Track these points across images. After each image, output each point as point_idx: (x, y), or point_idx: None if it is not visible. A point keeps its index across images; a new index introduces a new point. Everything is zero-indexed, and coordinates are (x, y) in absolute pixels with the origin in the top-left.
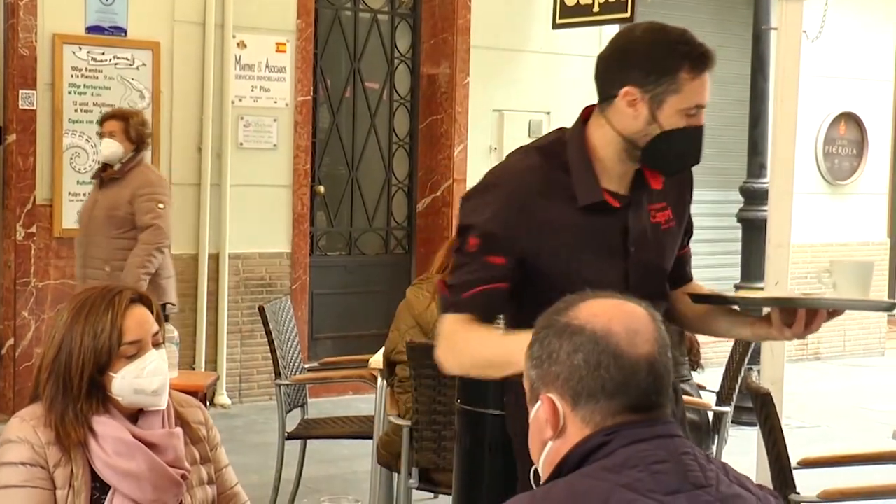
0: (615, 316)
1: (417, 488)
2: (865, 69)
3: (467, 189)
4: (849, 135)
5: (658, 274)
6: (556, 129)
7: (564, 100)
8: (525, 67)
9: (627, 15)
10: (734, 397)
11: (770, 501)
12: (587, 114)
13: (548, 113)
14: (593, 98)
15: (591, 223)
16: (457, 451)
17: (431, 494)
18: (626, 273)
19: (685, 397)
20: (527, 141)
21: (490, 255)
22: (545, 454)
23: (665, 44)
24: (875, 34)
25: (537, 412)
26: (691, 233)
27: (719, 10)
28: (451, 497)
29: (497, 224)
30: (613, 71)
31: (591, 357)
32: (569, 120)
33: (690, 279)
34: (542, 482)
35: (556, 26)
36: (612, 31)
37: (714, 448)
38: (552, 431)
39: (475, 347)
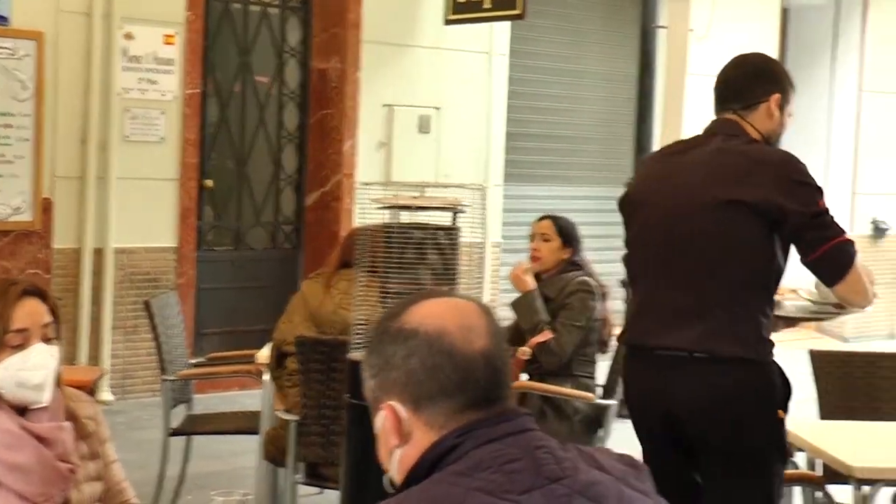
0: (447, 315)
1: (304, 483)
2: None
3: (360, 182)
4: None
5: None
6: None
7: (454, 95)
8: (416, 63)
9: (518, 12)
10: (619, 391)
11: (629, 479)
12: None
13: (438, 108)
14: (484, 94)
15: None
16: (345, 445)
17: (318, 489)
18: None
19: (572, 390)
20: (416, 136)
21: None
22: (394, 462)
23: None
24: (760, 34)
25: (381, 421)
26: None
27: (608, 9)
28: (338, 492)
29: None
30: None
31: (426, 359)
32: (458, 116)
33: None
34: (396, 489)
35: (447, 22)
36: (504, 27)
37: (602, 440)
38: (397, 439)
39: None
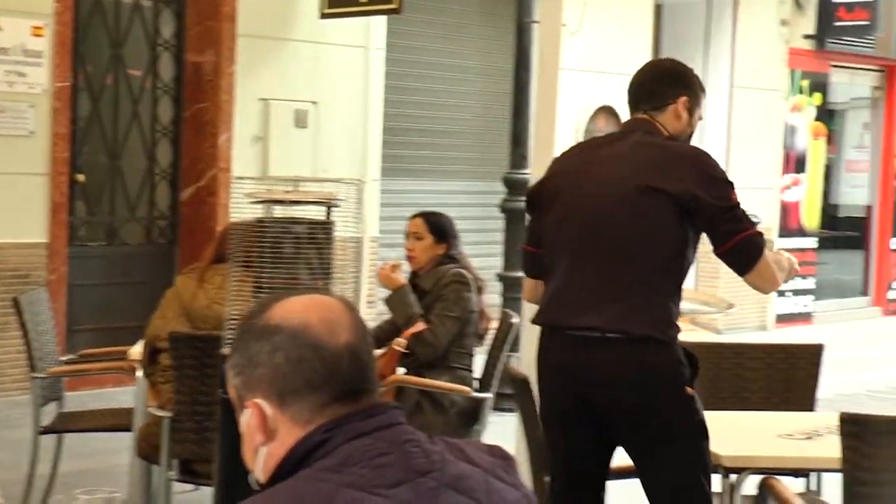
0: (310, 310)
1: (178, 480)
2: (624, 64)
3: (234, 177)
4: (608, 128)
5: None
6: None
7: (331, 90)
8: (292, 57)
9: (394, 6)
10: (495, 384)
11: (498, 472)
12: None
13: (314, 103)
14: (361, 88)
15: None
16: (219, 441)
17: (193, 486)
18: None
19: (448, 384)
20: (293, 130)
21: None
22: (260, 460)
23: None
24: (633, 30)
25: (246, 419)
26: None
27: (484, 4)
28: (212, 488)
29: None
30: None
31: (291, 353)
32: (335, 110)
33: None
34: (262, 487)
35: (323, 16)
36: (380, 21)
37: (477, 434)
38: (263, 436)
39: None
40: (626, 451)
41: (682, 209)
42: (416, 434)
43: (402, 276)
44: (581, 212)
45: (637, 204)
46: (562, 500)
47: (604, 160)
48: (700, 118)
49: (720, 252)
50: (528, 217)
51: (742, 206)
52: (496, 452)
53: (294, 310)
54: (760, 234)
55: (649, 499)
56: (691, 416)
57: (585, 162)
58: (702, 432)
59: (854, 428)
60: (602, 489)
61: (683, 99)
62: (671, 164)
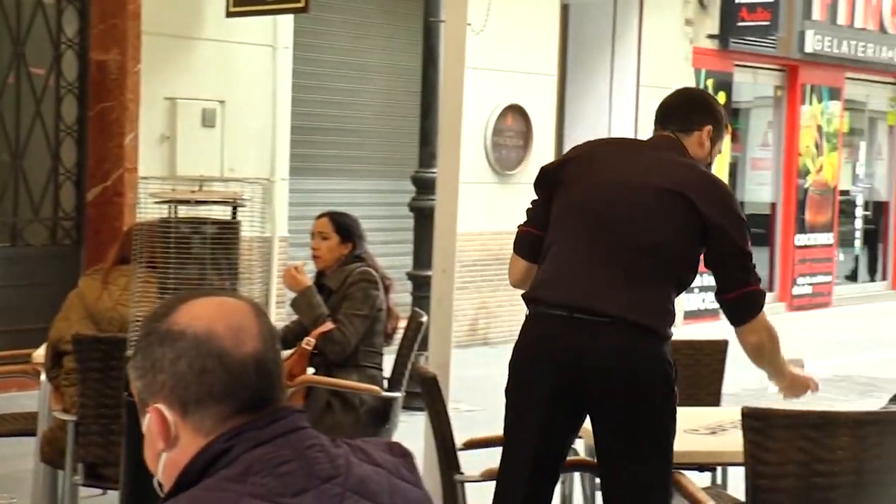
0: (217, 316)
1: (84, 484)
2: (532, 63)
3: (140, 177)
4: (516, 126)
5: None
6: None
7: (239, 89)
8: (198, 55)
9: (301, 5)
10: (404, 383)
11: (401, 471)
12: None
13: (222, 102)
14: (268, 87)
15: None
16: (125, 445)
17: (100, 491)
18: None
19: (357, 383)
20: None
21: None
22: (161, 466)
23: None
24: (540, 29)
25: (148, 423)
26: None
27: (391, 2)
28: (119, 492)
29: None
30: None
31: (195, 362)
32: (243, 109)
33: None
34: (164, 494)
35: (229, 14)
36: (287, 20)
37: (388, 433)
38: (164, 443)
39: None
40: (603, 440)
41: (704, 231)
42: (320, 438)
43: (308, 277)
44: (606, 201)
45: (667, 207)
46: (518, 490)
47: (633, 160)
48: (719, 151)
49: (727, 297)
50: (533, 198)
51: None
52: (397, 450)
53: (200, 315)
54: (764, 292)
55: (612, 491)
56: (673, 414)
57: (610, 156)
58: (673, 433)
59: (756, 422)
60: (556, 481)
61: (709, 128)
62: (705, 187)
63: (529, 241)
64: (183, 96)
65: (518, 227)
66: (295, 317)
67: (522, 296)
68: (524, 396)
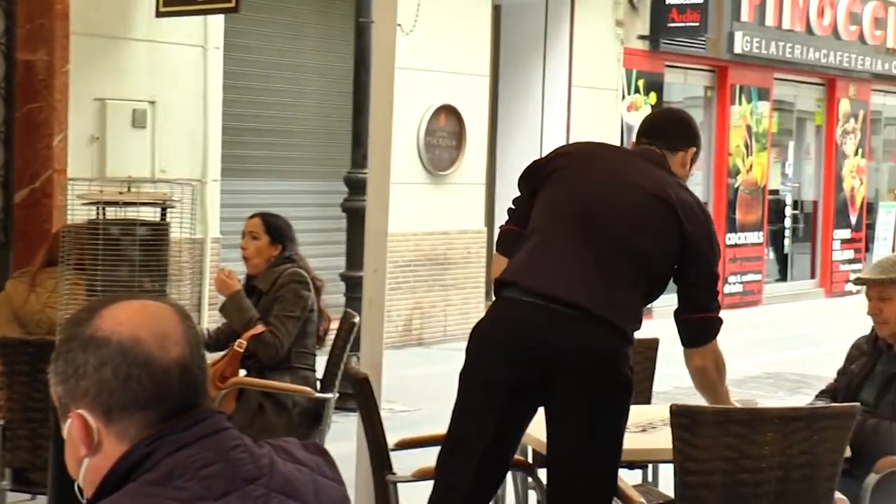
0: (141, 321)
1: (12, 490)
2: (464, 64)
3: (69, 178)
4: (448, 127)
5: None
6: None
7: (169, 89)
8: (128, 56)
9: (232, 5)
10: (337, 384)
11: (323, 469)
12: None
13: (152, 103)
14: (199, 88)
15: None
16: (53, 449)
17: (28, 495)
18: None
19: (289, 385)
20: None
21: None
22: (83, 472)
23: None
24: (472, 30)
25: (69, 429)
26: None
27: (323, 3)
28: (47, 497)
29: None
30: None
31: (120, 369)
32: (174, 110)
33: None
34: (85, 501)
35: (159, 14)
36: (218, 20)
37: (320, 435)
38: (86, 449)
39: None
40: (557, 433)
41: (682, 246)
42: (243, 439)
43: (237, 281)
44: (595, 199)
45: (653, 214)
46: (464, 481)
47: (626, 164)
48: (692, 174)
49: (688, 317)
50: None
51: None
52: (314, 450)
53: (124, 320)
54: (721, 321)
55: (560, 485)
56: (627, 414)
57: (603, 157)
58: (624, 433)
59: (684, 419)
60: (504, 477)
61: (692, 150)
62: (690, 204)
63: (512, 238)
64: (113, 97)
65: (500, 226)
66: None
67: (495, 279)
68: (484, 381)
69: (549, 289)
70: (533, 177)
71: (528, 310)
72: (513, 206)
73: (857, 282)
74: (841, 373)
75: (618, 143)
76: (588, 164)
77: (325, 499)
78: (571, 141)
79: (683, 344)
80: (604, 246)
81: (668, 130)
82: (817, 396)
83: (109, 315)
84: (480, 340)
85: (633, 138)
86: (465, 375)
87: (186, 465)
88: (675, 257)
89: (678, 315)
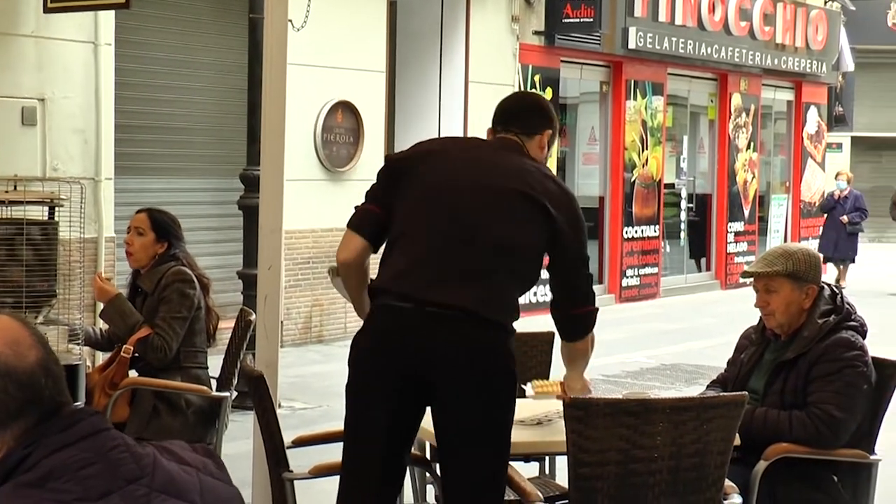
0: None
1: None
2: (360, 60)
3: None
4: (346, 123)
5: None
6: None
7: (60, 86)
8: (16, 52)
9: (122, 1)
10: (234, 382)
11: (210, 468)
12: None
13: (42, 100)
14: (91, 85)
15: None
16: None
17: None
18: None
19: (183, 384)
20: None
21: None
22: None
23: None
24: (367, 26)
25: None
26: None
27: (216, 0)
28: None
29: None
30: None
31: None
32: (65, 108)
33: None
34: None
35: (47, 10)
36: (108, 16)
37: (217, 434)
38: None
39: None
40: (446, 432)
41: (553, 235)
42: (124, 439)
43: (114, 285)
44: (462, 198)
45: (523, 209)
46: (371, 488)
47: (489, 160)
48: (550, 156)
49: (571, 314)
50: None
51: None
52: (202, 451)
53: None
54: (598, 310)
55: (451, 482)
56: (513, 407)
57: (464, 154)
58: (511, 426)
59: (577, 411)
60: (404, 476)
61: (548, 132)
62: (558, 194)
63: (370, 220)
64: (1, 94)
65: (356, 207)
66: None
67: (369, 287)
68: (371, 390)
69: (423, 292)
70: (391, 172)
71: (405, 316)
72: (371, 189)
73: (745, 275)
74: (731, 362)
75: (464, 136)
76: (454, 165)
77: (212, 497)
78: (469, 135)
79: (565, 339)
80: (473, 243)
81: (522, 116)
82: (708, 387)
83: None
84: (361, 352)
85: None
86: (351, 388)
87: (65, 466)
88: (546, 246)
89: (561, 311)
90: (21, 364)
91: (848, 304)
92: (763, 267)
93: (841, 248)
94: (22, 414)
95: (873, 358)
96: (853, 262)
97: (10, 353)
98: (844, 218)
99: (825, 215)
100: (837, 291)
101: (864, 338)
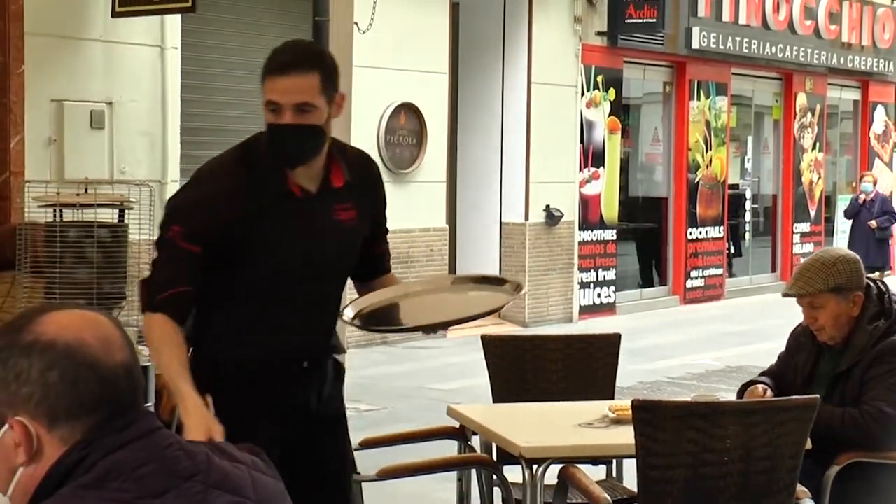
0: (83, 326)
1: None
2: (423, 62)
3: (27, 179)
4: (409, 125)
5: (330, 268)
6: None
7: (127, 90)
8: (85, 56)
9: (188, 4)
10: None
11: (259, 465)
12: None
13: (110, 103)
14: (157, 88)
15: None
16: None
17: None
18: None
19: None
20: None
21: None
22: (16, 482)
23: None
24: (430, 28)
25: (3, 438)
26: (384, 234)
27: (279, 1)
28: None
29: None
30: None
31: (67, 372)
32: (132, 111)
33: (386, 271)
34: None
35: (115, 14)
36: (175, 20)
37: None
38: (25, 456)
39: None
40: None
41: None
42: (176, 438)
43: None
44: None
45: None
46: None
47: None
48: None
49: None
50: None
51: None
52: (248, 450)
53: (66, 325)
54: None
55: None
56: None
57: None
58: None
59: (646, 414)
60: None
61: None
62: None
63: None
64: (70, 98)
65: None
66: None
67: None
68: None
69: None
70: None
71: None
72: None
73: (786, 295)
74: (782, 358)
75: (577, 139)
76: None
77: (263, 493)
78: (532, 139)
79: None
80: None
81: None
82: (761, 374)
83: (50, 321)
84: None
85: (593, 134)
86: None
87: (121, 467)
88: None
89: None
90: (107, 362)
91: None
92: (804, 287)
93: (873, 256)
94: (94, 410)
95: None
96: (890, 269)
97: (99, 348)
98: (873, 223)
99: (850, 220)
100: (884, 289)
101: None
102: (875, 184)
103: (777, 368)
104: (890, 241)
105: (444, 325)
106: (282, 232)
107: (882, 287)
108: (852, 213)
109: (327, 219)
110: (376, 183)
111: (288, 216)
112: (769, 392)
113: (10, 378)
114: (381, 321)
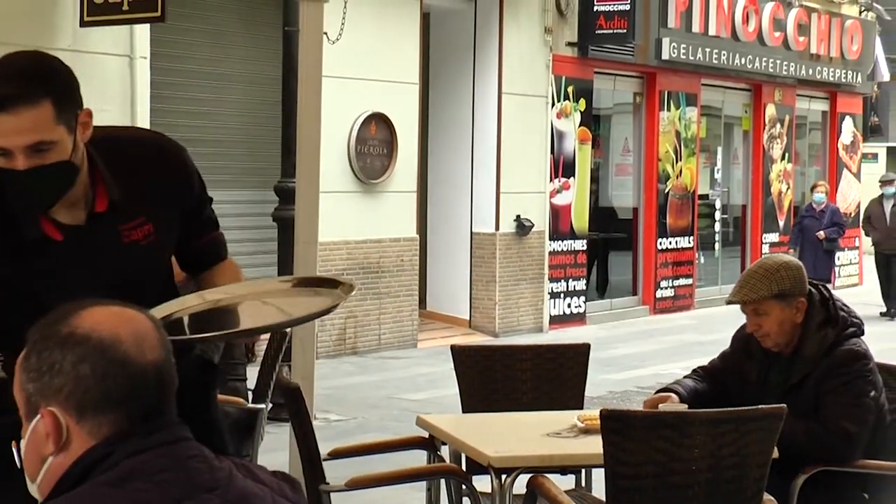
0: (119, 323)
1: None
2: (393, 72)
3: None
4: (379, 135)
5: (138, 288)
6: None
7: (96, 99)
8: None
9: (158, 14)
10: (269, 394)
11: (285, 491)
12: None
13: None
14: (126, 97)
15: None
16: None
17: None
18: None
19: (221, 396)
20: None
21: None
22: (45, 470)
23: None
24: (401, 38)
25: (36, 426)
26: (206, 224)
27: (248, 11)
28: None
29: None
30: None
31: (98, 367)
32: (101, 120)
33: (220, 259)
34: (41, 500)
35: (84, 23)
36: (144, 29)
37: (253, 445)
38: (54, 446)
39: None
40: None
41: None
42: (203, 450)
43: None
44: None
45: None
46: None
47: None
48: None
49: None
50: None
51: None
52: (280, 476)
53: (103, 321)
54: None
55: None
56: None
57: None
58: None
59: (614, 424)
60: None
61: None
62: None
63: None
64: None
65: None
66: None
67: None
68: None
69: None
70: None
71: None
72: None
73: (729, 302)
74: (726, 357)
75: (548, 149)
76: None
77: None
78: (502, 149)
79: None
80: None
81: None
82: (693, 371)
83: (88, 315)
84: None
85: (564, 145)
86: None
87: (143, 469)
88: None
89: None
90: (139, 359)
91: (841, 307)
92: (748, 294)
93: (820, 268)
94: (121, 405)
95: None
96: (830, 283)
97: (132, 344)
98: (822, 233)
99: (795, 227)
100: (827, 295)
101: (862, 334)
102: (827, 194)
103: (719, 366)
104: (834, 254)
105: (254, 332)
106: (59, 280)
107: (825, 293)
108: (799, 219)
109: (113, 246)
110: (176, 177)
111: (55, 264)
112: (677, 400)
113: (45, 368)
114: (195, 328)
